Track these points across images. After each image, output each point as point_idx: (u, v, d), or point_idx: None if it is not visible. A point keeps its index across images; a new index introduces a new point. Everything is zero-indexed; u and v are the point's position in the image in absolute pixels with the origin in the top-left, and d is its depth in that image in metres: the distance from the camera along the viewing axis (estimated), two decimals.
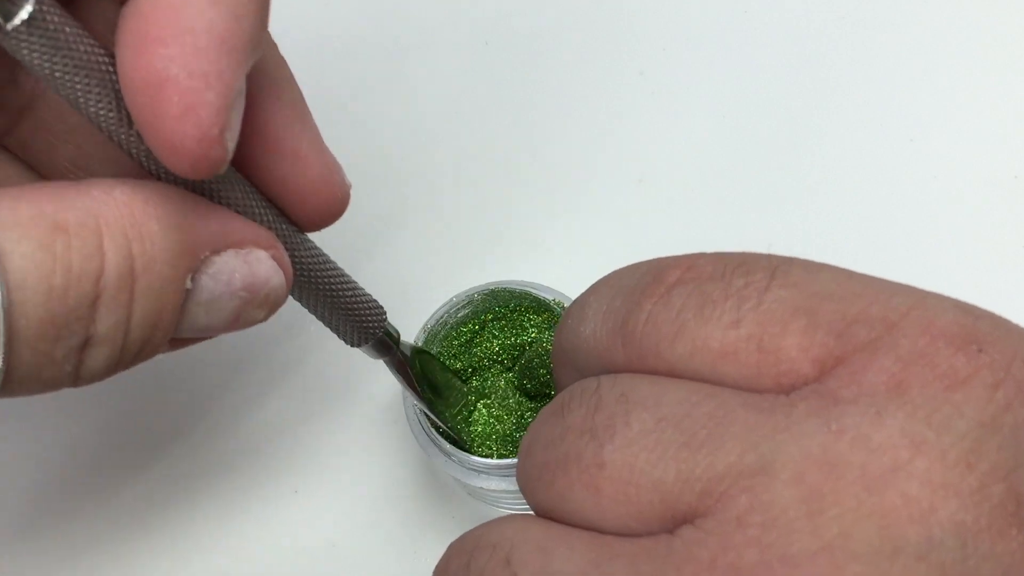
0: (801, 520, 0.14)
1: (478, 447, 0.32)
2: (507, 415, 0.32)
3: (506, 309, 0.33)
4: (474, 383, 0.33)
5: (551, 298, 0.32)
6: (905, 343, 0.16)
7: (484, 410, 0.33)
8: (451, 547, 0.19)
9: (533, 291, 0.32)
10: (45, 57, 0.18)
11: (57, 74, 0.18)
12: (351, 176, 0.25)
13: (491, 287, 0.32)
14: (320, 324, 0.39)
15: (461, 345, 0.33)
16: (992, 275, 0.37)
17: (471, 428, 0.32)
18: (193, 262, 0.20)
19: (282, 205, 0.23)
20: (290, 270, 0.23)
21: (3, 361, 0.18)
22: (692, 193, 0.40)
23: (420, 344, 0.32)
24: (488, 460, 0.30)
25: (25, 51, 0.18)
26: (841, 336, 0.16)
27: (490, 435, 0.32)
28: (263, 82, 0.22)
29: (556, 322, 0.33)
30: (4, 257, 0.17)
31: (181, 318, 0.21)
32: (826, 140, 0.41)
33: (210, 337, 0.23)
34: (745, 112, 0.42)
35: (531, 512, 0.19)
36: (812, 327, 0.16)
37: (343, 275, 0.26)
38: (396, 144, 0.43)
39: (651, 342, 0.18)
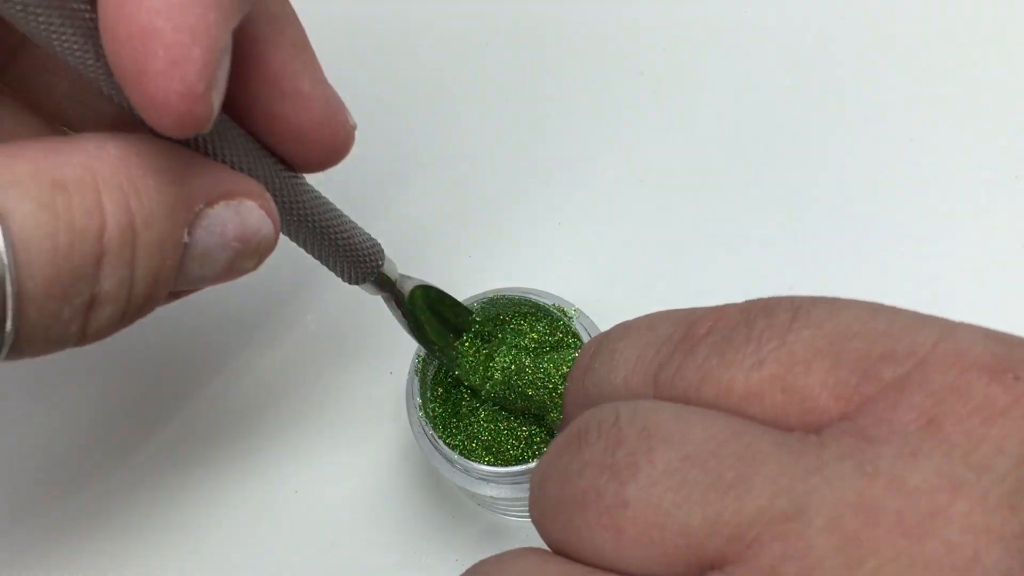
0: (839, 570, 0.14)
1: (484, 384, 0.32)
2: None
3: (506, 316, 0.33)
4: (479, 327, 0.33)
5: (550, 303, 0.32)
6: (936, 377, 0.15)
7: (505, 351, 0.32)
8: None
9: (532, 297, 0.32)
10: (21, 6, 0.18)
11: (41, 26, 0.18)
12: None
13: (490, 295, 0.32)
14: (318, 322, 0.39)
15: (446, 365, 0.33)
16: (992, 275, 0.37)
17: (491, 367, 0.32)
18: (189, 215, 0.20)
19: (283, 145, 0.23)
20: (278, 219, 0.23)
21: (12, 322, 0.18)
22: (693, 193, 0.40)
23: (422, 356, 0.32)
24: (494, 468, 0.30)
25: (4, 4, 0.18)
26: (867, 374, 0.16)
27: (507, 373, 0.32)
28: (263, 19, 0.22)
29: (556, 326, 0.33)
30: (7, 217, 0.17)
31: (179, 271, 0.21)
32: (826, 139, 0.41)
33: (202, 288, 0.23)
34: (745, 112, 0.42)
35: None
36: (836, 366, 0.16)
37: (339, 215, 0.27)
38: (392, 146, 0.42)
39: (679, 392, 0.17)
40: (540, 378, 0.31)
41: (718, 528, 0.15)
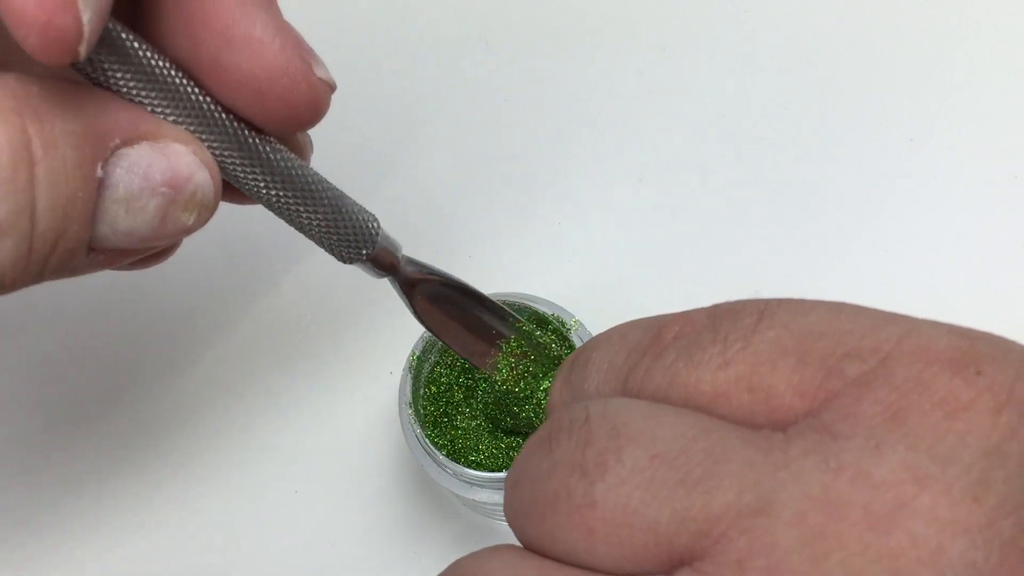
0: (805, 565, 0.14)
1: (501, 383, 0.31)
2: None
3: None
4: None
5: (550, 312, 0.32)
6: (899, 372, 0.15)
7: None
8: None
9: (532, 305, 0.32)
10: None
11: None
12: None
13: None
14: (317, 323, 0.39)
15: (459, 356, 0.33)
16: (992, 275, 0.37)
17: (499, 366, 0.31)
18: (101, 149, 0.19)
19: (243, 102, 0.21)
20: (216, 169, 0.21)
21: None
22: (692, 193, 0.40)
23: (417, 354, 0.32)
24: (481, 473, 0.30)
25: None
26: (831, 371, 0.16)
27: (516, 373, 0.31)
28: None
29: (556, 337, 0.32)
30: None
31: (99, 215, 0.20)
32: (826, 139, 0.41)
33: (144, 250, 0.22)
34: (745, 111, 0.42)
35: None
36: (801, 364, 0.16)
37: (323, 181, 0.24)
38: (392, 145, 0.42)
39: (648, 395, 0.18)
40: (527, 395, 0.31)
41: (686, 524, 0.15)
